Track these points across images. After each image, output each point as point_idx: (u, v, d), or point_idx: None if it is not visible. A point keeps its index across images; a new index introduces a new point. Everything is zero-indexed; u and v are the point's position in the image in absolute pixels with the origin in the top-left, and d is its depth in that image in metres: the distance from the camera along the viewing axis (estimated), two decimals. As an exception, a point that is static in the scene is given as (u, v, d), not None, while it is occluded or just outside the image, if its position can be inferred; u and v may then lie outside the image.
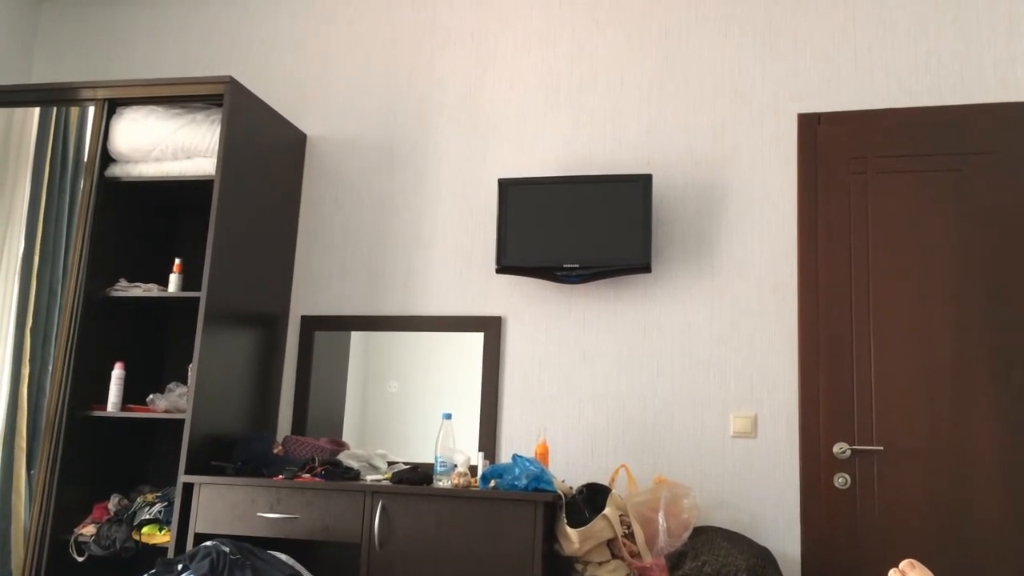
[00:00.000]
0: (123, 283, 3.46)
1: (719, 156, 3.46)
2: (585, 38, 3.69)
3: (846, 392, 3.17)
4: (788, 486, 3.17)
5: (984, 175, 3.19)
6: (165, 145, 3.42)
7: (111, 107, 3.50)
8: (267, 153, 3.60)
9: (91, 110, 3.52)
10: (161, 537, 3.13)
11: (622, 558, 2.81)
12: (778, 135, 3.42)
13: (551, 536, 2.84)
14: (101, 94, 3.49)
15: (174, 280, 3.43)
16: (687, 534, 2.86)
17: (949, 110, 3.27)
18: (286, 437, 3.37)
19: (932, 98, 3.30)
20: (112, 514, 3.28)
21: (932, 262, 3.18)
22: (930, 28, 3.36)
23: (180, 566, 2.71)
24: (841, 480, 3.11)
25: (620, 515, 2.85)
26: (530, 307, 3.52)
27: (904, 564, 1.52)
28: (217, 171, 3.29)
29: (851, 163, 3.31)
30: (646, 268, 3.30)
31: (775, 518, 3.15)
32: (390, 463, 3.30)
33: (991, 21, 3.31)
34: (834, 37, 3.44)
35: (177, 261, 3.46)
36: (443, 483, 2.96)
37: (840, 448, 3.13)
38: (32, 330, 3.49)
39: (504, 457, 3.39)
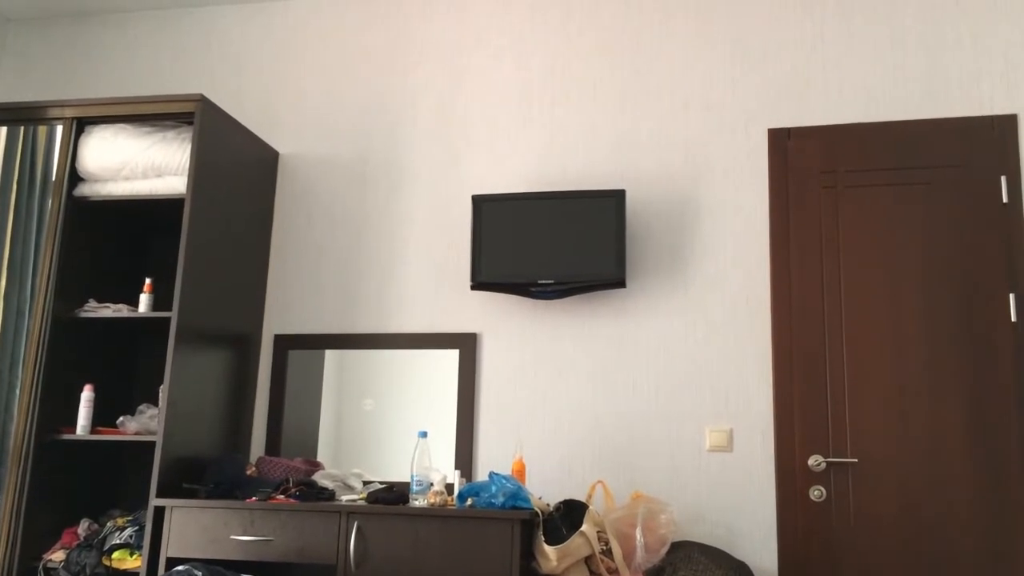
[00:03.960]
0: (92, 303, 3.42)
1: (691, 171, 3.48)
2: (558, 54, 3.71)
3: (820, 405, 3.19)
4: (764, 499, 3.17)
5: (951, 188, 3.24)
6: (135, 164, 3.38)
7: (79, 126, 3.46)
8: (239, 171, 3.58)
9: (59, 129, 3.48)
10: (132, 562, 3.07)
11: (600, 575, 2.80)
12: (749, 150, 3.45)
13: (529, 554, 2.82)
14: (69, 112, 3.46)
15: (144, 300, 3.39)
16: (664, 549, 2.86)
17: (917, 124, 3.32)
18: (260, 458, 3.33)
19: (900, 113, 3.35)
20: (82, 539, 3.22)
21: (902, 274, 3.21)
22: (897, 44, 3.41)
23: (152, 592, 2.67)
24: (816, 493, 3.13)
25: (598, 531, 2.84)
26: (505, 323, 3.51)
27: None
28: (188, 190, 3.26)
29: (821, 177, 3.35)
30: (620, 283, 3.31)
31: (752, 531, 3.16)
32: (365, 483, 3.27)
33: (956, 38, 3.36)
34: (803, 53, 3.48)
35: (147, 281, 3.42)
36: (419, 502, 2.94)
37: (815, 461, 3.15)
38: (-1, 352, 3.43)
39: (481, 475, 3.37)
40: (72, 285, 3.39)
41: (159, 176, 3.40)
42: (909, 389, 3.14)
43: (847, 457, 3.13)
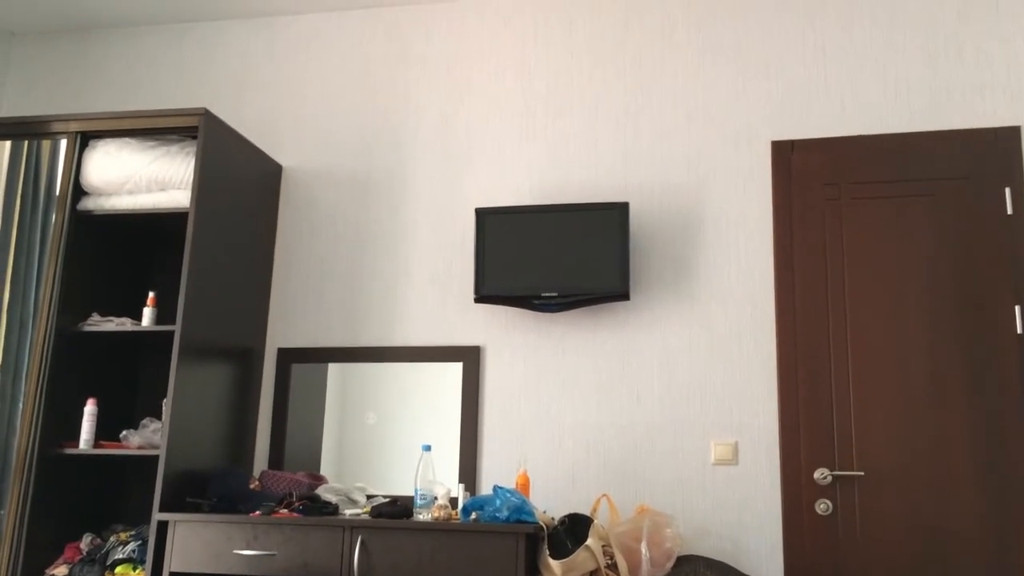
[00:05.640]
0: (96, 317, 3.41)
1: (695, 183, 3.48)
2: (560, 67, 3.71)
3: (826, 417, 3.18)
4: (770, 513, 3.16)
5: (954, 200, 3.23)
6: (139, 178, 3.39)
7: (84, 140, 3.47)
8: (242, 185, 3.58)
9: (63, 143, 3.48)
10: (135, 577, 3.06)
11: (605, 589, 2.78)
12: (752, 162, 3.45)
13: (533, 568, 2.81)
14: (73, 127, 3.46)
15: (148, 314, 3.38)
16: (670, 564, 2.84)
17: (919, 136, 3.32)
18: (263, 472, 3.32)
19: (903, 125, 3.35)
20: (85, 554, 3.20)
21: (907, 286, 3.21)
22: (899, 56, 3.41)
23: (154, 607, 2.66)
24: (823, 506, 3.11)
25: (603, 545, 2.83)
26: (509, 336, 3.50)
27: None
28: (192, 203, 3.26)
29: (825, 189, 3.35)
30: (624, 295, 3.30)
31: (757, 546, 3.14)
32: (369, 497, 3.26)
33: (959, 49, 3.37)
34: (805, 65, 3.48)
35: (151, 295, 3.42)
36: (423, 516, 2.93)
37: (821, 474, 3.13)
38: (2, 366, 3.42)
39: (485, 488, 3.36)
40: (75, 299, 3.39)
41: (163, 190, 3.40)
42: (915, 401, 3.13)
43: (853, 470, 3.12)
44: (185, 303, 3.19)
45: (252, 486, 3.23)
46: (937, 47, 3.39)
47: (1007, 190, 3.20)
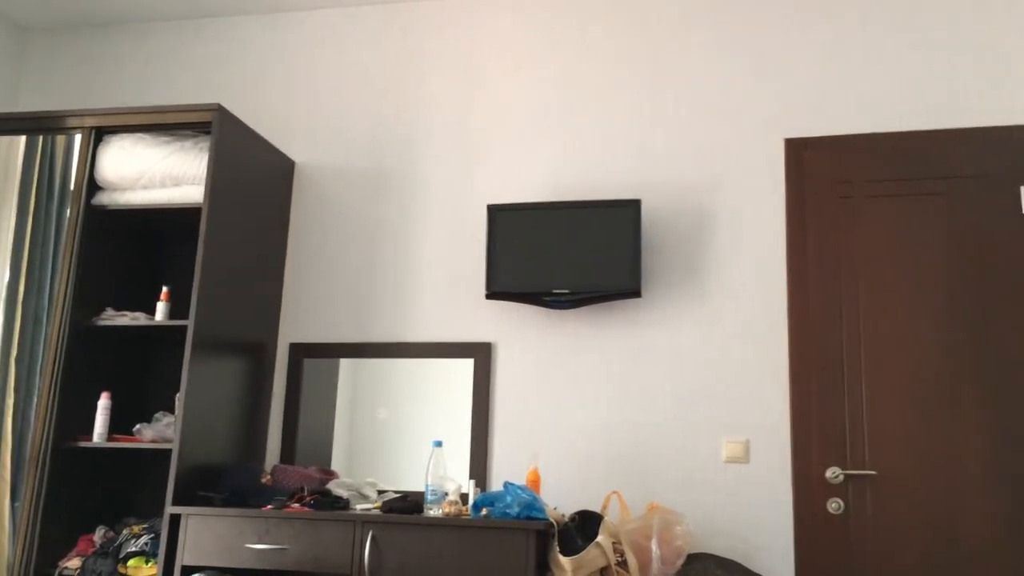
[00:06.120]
0: (109, 312, 3.43)
1: (708, 181, 3.47)
2: (573, 63, 3.71)
3: (838, 416, 3.16)
4: (781, 512, 3.15)
5: (969, 198, 3.21)
6: (153, 173, 3.40)
7: (98, 135, 3.49)
8: (255, 180, 3.59)
9: (78, 138, 3.50)
10: (148, 570, 3.08)
11: (615, 586, 2.78)
12: (766, 160, 3.43)
13: (544, 565, 2.81)
14: (88, 122, 3.48)
15: (161, 308, 3.40)
16: (680, 561, 2.84)
17: (934, 134, 3.30)
18: (274, 466, 3.33)
19: (917, 123, 3.33)
20: (97, 546, 3.22)
21: (921, 285, 3.19)
22: (914, 54, 3.39)
23: (167, 600, 2.67)
24: (834, 505, 3.10)
25: (613, 543, 2.83)
26: (520, 333, 3.50)
27: None
28: (205, 199, 3.27)
29: (839, 187, 3.33)
30: (636, 293, 3.30)
31: (769, 544, 3.13)
32: (380, 492, 3.26)
33: (974, 47, 3.35)
34: (820, 63, 3.47)
35: (164, 289, 3.43)
36: (434, 512, 2.93)
37: (833, 473, 3.12)
38: (17, 360, 3.45)
39: (495, 485, 3.36)
40: (90, 293, 3.40)
41: (177, 185, 3.41)
42: (928, 400, 3.11)
43: (865, 469, 3.11)
44: (198, 298, 3.20)
45: (264, 480, 3.24)
46: (953, 45, 3.37)
47: (1023, 189, 3.18)
